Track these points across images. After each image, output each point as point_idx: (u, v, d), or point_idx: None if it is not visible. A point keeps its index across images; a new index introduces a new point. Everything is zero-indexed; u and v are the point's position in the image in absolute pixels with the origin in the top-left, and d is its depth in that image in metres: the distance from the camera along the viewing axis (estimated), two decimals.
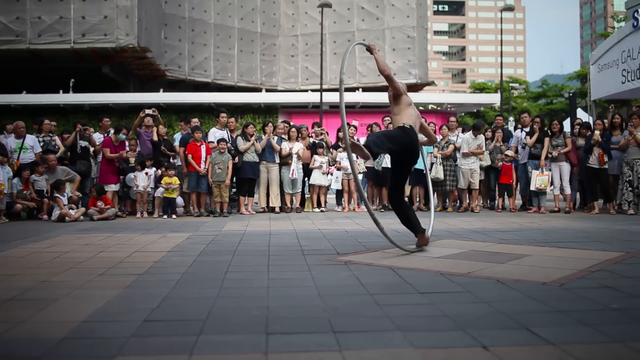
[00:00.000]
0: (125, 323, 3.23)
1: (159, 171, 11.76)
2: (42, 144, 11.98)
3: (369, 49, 6.37)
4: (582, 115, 22.13)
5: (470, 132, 12.59)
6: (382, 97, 31.70)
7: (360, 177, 12.75)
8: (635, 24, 15.81)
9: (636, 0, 16.32)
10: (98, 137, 12.46)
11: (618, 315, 3.33)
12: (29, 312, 3.50)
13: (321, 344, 2.83)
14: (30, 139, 11.77)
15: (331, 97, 29.30)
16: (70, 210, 10.72)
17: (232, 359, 2.65)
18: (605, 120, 12.51)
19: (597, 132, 11.58)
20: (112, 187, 11.58)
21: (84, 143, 12.07)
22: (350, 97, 31.96)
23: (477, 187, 12.49)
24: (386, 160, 12.31)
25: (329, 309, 3.52)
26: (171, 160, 12.17)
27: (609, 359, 2.61)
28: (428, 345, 2.79)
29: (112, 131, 12.42)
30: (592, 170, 11.56)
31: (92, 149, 12.24)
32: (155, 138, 12.32)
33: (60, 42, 28.48)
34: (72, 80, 30.48)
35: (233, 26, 37.90)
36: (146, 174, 11.64)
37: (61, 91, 29.82)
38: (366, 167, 12.93)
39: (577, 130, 12.46)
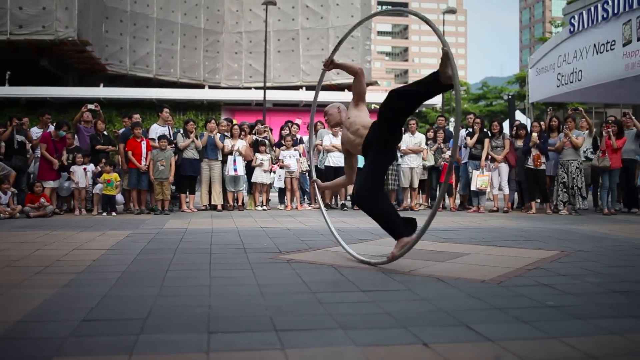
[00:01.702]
0: (63, 323, 3.15)
1: (98, 168, 11.54)
2: None
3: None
4: (520, 117, 22.66)
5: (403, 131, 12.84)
6: (326, 96, 31.88)
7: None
8: (571, 29, 16.26)
9: (573, 7, 16.82)
10: (36, 132, 12.13)
11: (554, 312, 3.41)
12: None
13: (264, 343, 2.81)
14: None
15: (275, 95, 29.26)
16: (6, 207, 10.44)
17: (173, 359, 2.61)
18: (543, 123, 12.84)
19: (534, 135, 11.87)
20: (50, 184, 11.29)
21: (20, 138, 11.72)
22: (293, 96, 32.03)
23: (416, 186, 12.68)
24: (329, 159, 12.40)
25: (272, 307, 3.50)
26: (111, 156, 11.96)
27: (545, 355, 2.67)
28: (370, 343, 2.80)
29: (51, 127, 12.12)
30: (530, 171, 11.85)
31: (29, 144, 11.91)
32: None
33: None
34: (8, 72, 29.64)
35: (176, 21, 37.46)
36: (84, 169, 11.40)
37: None
38: (308, 165, 12.96)
39: (515, 131, 12.75)
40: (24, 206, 10.67)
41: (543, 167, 11.83)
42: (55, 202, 11.36)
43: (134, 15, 35.51)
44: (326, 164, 12.50)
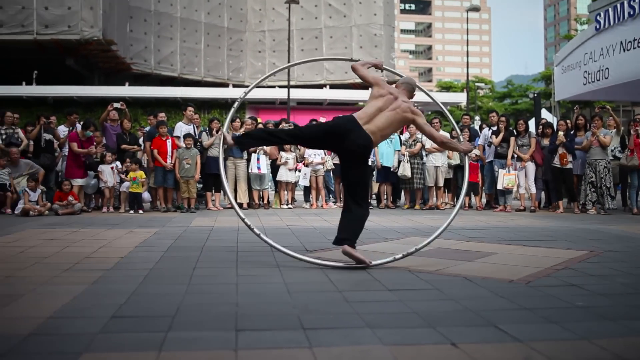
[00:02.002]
0: (92, 319, 3.18)
1: (124, 166, 11.63)
2: (4, 136, 11.73)
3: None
4: (546, 115, 22.44)
5: None
6: (350, 94, 31.88)
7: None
8: (597, 27, 16.04)
9: (599, 3, 16.61)
10: (63, 130, 12.25)
11: (583, 313, 3.39)
12: None
13: (291, 341, 2.82)
14: None
15: (299, 94, 29.25)
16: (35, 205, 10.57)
17: (201, 356, 2.63)
18: (569, 121, 12.70)
19: (560, 133, 11.75)
20: (78, 182, 11.38)
21: (48, 136, 11.87)
22: (317, 94, 32.04)
23: (441, 184, 12.61)
24: None
25: (299, 305, 3.52)
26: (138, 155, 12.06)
27: (574, 356, 2.65)
28: (397, 342, 2.80)
29: (78, 126, 12.26)
30: (556, 170, 11.73)
31: (56, 143, 12.05)
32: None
33: (22, 33, 27.93)
34: (35, 72, 29.96)
35: (200, 20, 37.61)
36: (112, 168, 11.49)
37: (24, 83, 29.31)
38: (334, 164, 12.95)
39: (541, 130, 12.63)
40: (53, 204, 10.79)
41: (570, 166, 11.71)
42: (82, 200, 11.45)
43: (158, 14, 35.73)
44: None
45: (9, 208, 10.89)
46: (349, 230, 5.06)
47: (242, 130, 12.61)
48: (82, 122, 12.15)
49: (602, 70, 15.74)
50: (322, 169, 12.84)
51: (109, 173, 11.44)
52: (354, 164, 5.20)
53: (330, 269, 4.78)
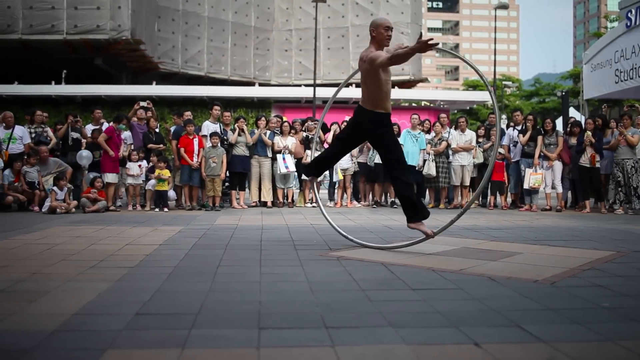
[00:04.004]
0: (117, 316, 3.21)
1: (150, 163, 11.72)
2: (33, 135, 11.90)
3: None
4: (574, 114, 22.20)
5: (454, 128, 12.82)
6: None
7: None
8: (628, 24, 15.84)
9: (630, 0, 16.36)
10: (90, 129, 12.38)
11: (609, 314, 3.34)
12: (19, 304, 3.48)
13: (313, 340, 2.82)
14: (20, 130, 11.68)
15: (324, 92, 29.28)
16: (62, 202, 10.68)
17: (224, 354, 2.64)
18: (598, 120, 12.54)
19: (588, 133, 11.59)
20: (108, 177, 11.41)
21: (75, 135, 12.00)
22: (343, 93, 31.98)
23: (467, 184, 12.52)
24: (378, 157, 12.33)
25: (321, 304, 3.51)
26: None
27: (600, 357, 2.62)
28: (420, 342, 2.79)
29: (104, 122, 12.38)
30: (584, 169, 11.59)
31: (83, 141, 12.17)
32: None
33: (52, 32, 28.36)
34: (64, 71, 30.36)
35: (227, 20, 37.85)
36: (139, 166, 11.59)
37: (53, 82, 29.71)
38: (358, 163, 12.93)
39: (569, 129, 12.48)
40: (81, 198, 10.89)
41: (597, 165, 11.56)
42: (112, 199, 11.44)
43: (186, 14, 36.02)
44: (376, 161, 12.44)
45: (37, 206, 11.04)
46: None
47: (267, 130, 12.65)
48: (115, 117, 12.18)
49: (635, 68, 15.54)
50: (351, 168, 12.82)
51: (135, 170, 11.51)
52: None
53: (354, 268, 4.77)
